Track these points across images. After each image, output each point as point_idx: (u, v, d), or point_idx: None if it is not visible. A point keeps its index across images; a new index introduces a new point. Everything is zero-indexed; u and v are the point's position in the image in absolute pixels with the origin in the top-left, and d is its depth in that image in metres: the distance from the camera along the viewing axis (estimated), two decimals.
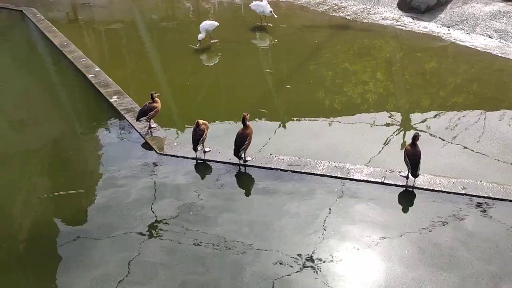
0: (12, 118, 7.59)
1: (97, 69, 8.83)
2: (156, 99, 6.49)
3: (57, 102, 8.12)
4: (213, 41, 10.60)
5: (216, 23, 10.43)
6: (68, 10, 14.90)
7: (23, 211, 5.24)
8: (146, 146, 6.30)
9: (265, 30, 11.48)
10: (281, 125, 7.12)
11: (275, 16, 11.48)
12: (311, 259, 4.33)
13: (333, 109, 7.65)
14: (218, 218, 4.90)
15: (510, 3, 11.04)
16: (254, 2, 11.75)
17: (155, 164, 5.90)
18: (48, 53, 10.36)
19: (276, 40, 11.06)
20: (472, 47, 10.01)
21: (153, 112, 6.43)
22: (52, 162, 6.29)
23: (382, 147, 6.33)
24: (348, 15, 12.67)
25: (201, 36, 10.13)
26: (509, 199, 4.97)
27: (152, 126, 6.63)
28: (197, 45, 10.24)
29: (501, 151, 6.10)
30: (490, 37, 10.32)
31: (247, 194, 5.40)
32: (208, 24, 10.28)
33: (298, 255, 4.38)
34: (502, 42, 10.00)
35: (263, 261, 4.30)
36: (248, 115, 5.76)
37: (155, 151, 6.13)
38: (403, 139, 6.61)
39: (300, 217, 4.88)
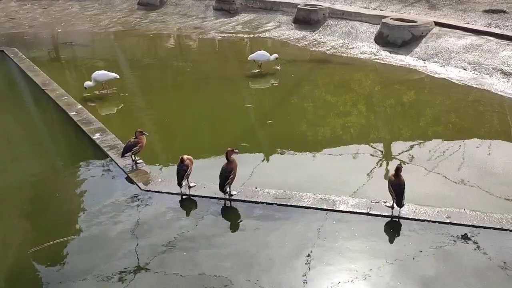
0: None
1: (79, 106, 8.80)
2: (141, 136, 6.48)
3: (39, 141, 8.02)
4: (107, 91, 9.99)
5: (113, 75, 9.88)
6: (50, 49, 14.96)
7: (5, 253, 5.08)
8: (130, 182, 6.23)
9: (248, 66, 11.64)
10: (264, 158, 7.14)
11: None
12: None
13: (316, 141, 7.73)
14: (204, 254, 4.83)
15: (482, 36, 11.50)
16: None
17: (139, 201, 5.82)
18: (30, 91, 10.30)
19: (258, 72, 11.24)
20: (448, 78, 10.32)
21: (137, 147, 6.40)
22: (35, 203, 6.14)
23: (366, 178, 6.39)
24: (327, 49, 13.00)
25: (87, 84, 9.65)
26: (493, 227, 5.03)
27: (138, 162, 6.59)
28: (84, 94, 9.73)
29: (480, 179, 6.21)
30: (464, 69, 10.68)
31: (233, 228, 5.35)
32: (99, 74, 9.80)
33: None
34: (476, 74, 10.34)
35: None
36: (237, 150, 5.77)
37: (139, 187, 6.06)
38: (386, 169, 6.69)
39: (286, 250, 4.84)
